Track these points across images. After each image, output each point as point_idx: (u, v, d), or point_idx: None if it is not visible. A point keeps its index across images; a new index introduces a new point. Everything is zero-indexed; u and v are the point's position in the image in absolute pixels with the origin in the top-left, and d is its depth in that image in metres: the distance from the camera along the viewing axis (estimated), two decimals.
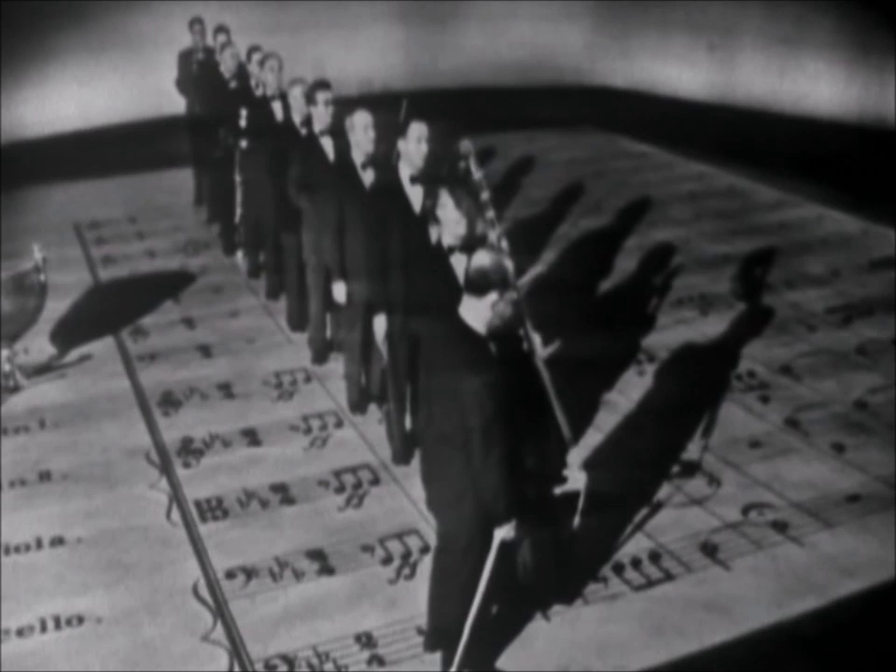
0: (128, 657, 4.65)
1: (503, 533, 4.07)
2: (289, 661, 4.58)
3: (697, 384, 7.13)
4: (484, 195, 4.78)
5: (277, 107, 7.76)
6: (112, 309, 8.56)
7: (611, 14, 15.57)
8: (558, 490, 4.51)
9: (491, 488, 3.97)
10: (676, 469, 6.09)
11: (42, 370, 7.52)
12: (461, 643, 4.23)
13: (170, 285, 9.01)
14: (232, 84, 8.99)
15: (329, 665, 4.55)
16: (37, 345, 7.81)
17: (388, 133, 5.80)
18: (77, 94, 13.57)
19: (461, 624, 4.24)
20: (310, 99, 6.74)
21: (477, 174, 4.86)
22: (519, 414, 4.11)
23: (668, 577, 5.13)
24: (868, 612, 4.91)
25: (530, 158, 12.66)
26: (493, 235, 4.63)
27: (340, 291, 6.34)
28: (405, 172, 5.59)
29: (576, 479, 4.54)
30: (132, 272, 9.44)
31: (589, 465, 5.98)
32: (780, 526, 5.54)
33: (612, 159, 13.01)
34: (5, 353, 7.23)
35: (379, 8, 14.84)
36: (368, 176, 6.20)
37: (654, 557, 5.28)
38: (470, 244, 4.66)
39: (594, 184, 11.66)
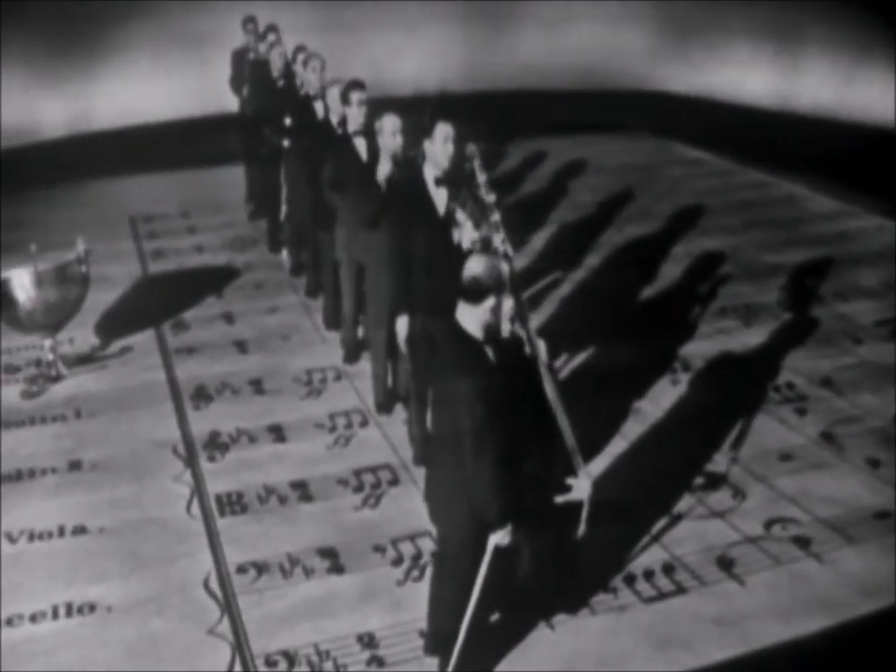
0: (133, 647, 4.71)
1: (497, 538, 4.04)
2: (290, 658, 4.60)
3: (731, 394, 7.01)
4: (489, 198, 4.75)
5: (319, 107, 7.81)
6: (157, 302, 8.70)
7: (672, 18, 15.35)
8: (560, 499, 4.45)
9: (482, 492, 3.94)
10: (700, 480, 5.99)
11: (84, 360, 7.67)
12: (455, 648, 4.21)
13: (214, 280, 9.14)
14: (280, 83, 9.08)
15: (328, 664, 4.56)
16: (83, 336, 7.97)
17: (417, 135, 5.79)
18: (140, 90, 13.80)
19: (457, 628, 4.22)
20: (344, 99, 6.77)
21: (481, 176, 4.84)
22: (517, 420, 4.07)
23: (680, 590, 5.05)
24: (883, 633, 4.78)
25: (581, 162, 12.57)
26: (497, 239, 4.60)
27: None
28: (430, 173, 5.58)
29: (580, 488, 4.48)
30: (179, 266, 9.60)
31: (609, 473, 5.98)
32: (802, 542, 5.42)
33: (667, 165, 12.86)
34: (48, 342, 7.38)
35: (436, 9, 14.82)
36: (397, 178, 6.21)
37: (668, 569, 5.20)
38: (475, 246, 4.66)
39: (644, 190, 11.54)
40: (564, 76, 15.16)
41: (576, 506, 4.54)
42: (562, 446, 4.52)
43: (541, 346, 4.47)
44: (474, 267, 3.96)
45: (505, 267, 3.99)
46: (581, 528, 4.59)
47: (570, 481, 4.48)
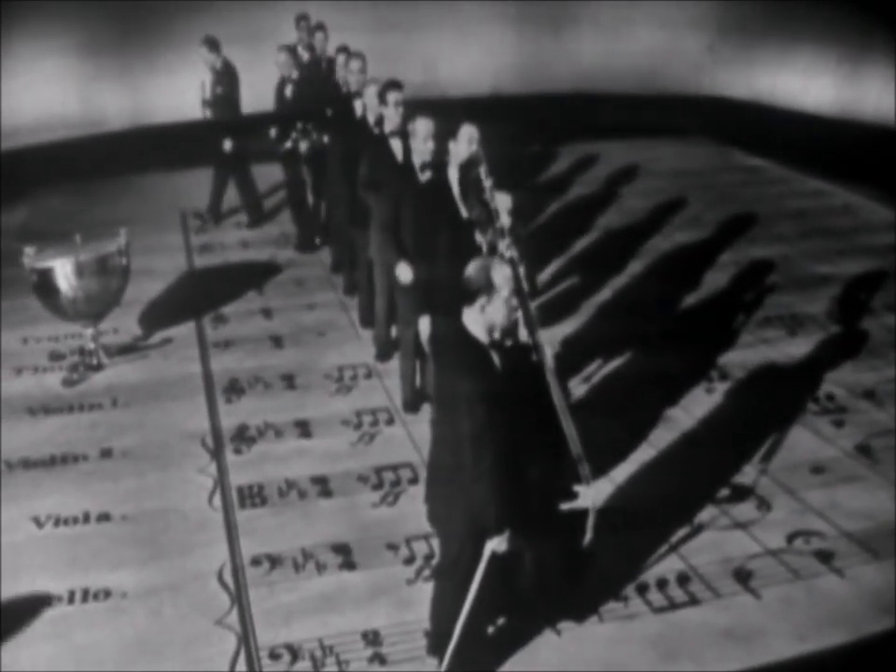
0: (142, 633, 4.78)
1: (494, 544, 4.01)
2: (294, 652, 4.62)
3: (767, 404, 6.88)
4: (495, 203, 4.72)
5: (359, 106, 7.84)
6: (199, 296, 8.83)
7: (734, 23, 15.11)
8: (565, 506, 4.40)
9: (480, 497, 3.91)
10: (725, 491, 5.89)
11: (125, 350, 7.79)
12: (448, 650, 4.20)
13: (256, 275, 9.25)
14: (324, 82, 9.14)
15: (330, 660, 4.57)
16: (126, 326, 8.11)
17: (447, 138, 5.79)
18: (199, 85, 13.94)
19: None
20: (381, 99, 6.79)
21: (487, 181, 4.81)
22: (520, 426, 4.04)
23: (693, 601, 4.96)
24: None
25: (634, 167, 12.45)
26: (502, 244, 4.57)
27: (405, 271, 6.15)
28: (454, 174, 5.57)
29: (586, 495, 4.43)
30: (224, 260, 9.72)
31: (632, 480, 5.92)
32: (825, 556, 5.30)
33: (722, 172, 12.68)
34: (90, 331, 7.51)
35: (492, 10, 14.76)
36: (426, 178, 6.21)
37: (682, 580, 5.12)
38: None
39: (697, 197, 11.37)
40: (620, 79, 14.98)
41: (582, 514, 4.49)
42: (568, 454, 4.47)
43: (549, 353, 4.43)
44: (467, 269, 3.98)
45: (508, 271, 3.95)
46: (588, 536, 4.54)
47: (577, 488, 4.43)
